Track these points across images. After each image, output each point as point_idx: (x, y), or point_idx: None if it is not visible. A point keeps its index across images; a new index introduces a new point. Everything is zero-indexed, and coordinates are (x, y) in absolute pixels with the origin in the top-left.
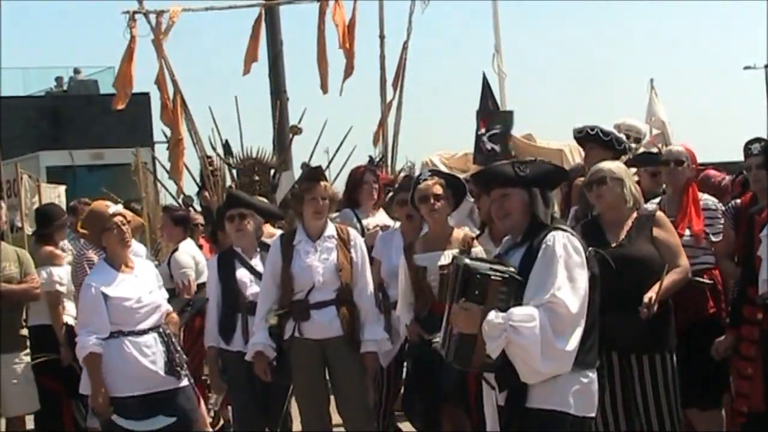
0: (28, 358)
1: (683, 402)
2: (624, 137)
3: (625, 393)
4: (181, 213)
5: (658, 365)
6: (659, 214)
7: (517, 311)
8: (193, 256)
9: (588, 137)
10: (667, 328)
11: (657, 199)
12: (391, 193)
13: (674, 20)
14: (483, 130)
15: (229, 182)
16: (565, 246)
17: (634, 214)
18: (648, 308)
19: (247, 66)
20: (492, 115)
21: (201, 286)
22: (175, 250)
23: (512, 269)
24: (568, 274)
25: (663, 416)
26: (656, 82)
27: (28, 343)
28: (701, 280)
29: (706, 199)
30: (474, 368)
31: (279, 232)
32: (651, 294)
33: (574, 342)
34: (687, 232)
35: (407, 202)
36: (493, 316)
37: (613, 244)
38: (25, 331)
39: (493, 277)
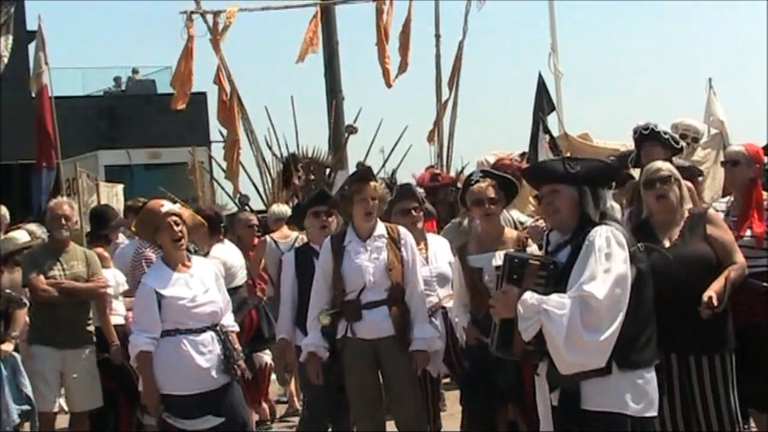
0: (93, 355)
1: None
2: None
3: (684, 395)
4: (204, 212)
5: (718, 366)
6: (711, 211)
7: (552, 297)
8: (224, 262)
9: (645, 136)
10: (725, 329)
11: (725, 198)
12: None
13: (733, 20)
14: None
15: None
16: (607, 239)
17: (687, 214)
18: (709, 307)
19: (302, 54)
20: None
21: (233, 291)
22: (206, 254)
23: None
24: (605, 266)
25: (723, 418)
26: (714, 81)
27: (94, 340)
28: (757, 282)
29: None
30: (516, 355)
31: (294, 234)
32: (711, 293)
33: (607, 335)
34: (748, 233)
35: (409, 211)
36: (528, 296)
37: (667, 245)
38: (91, 328)
39: (530, 261)
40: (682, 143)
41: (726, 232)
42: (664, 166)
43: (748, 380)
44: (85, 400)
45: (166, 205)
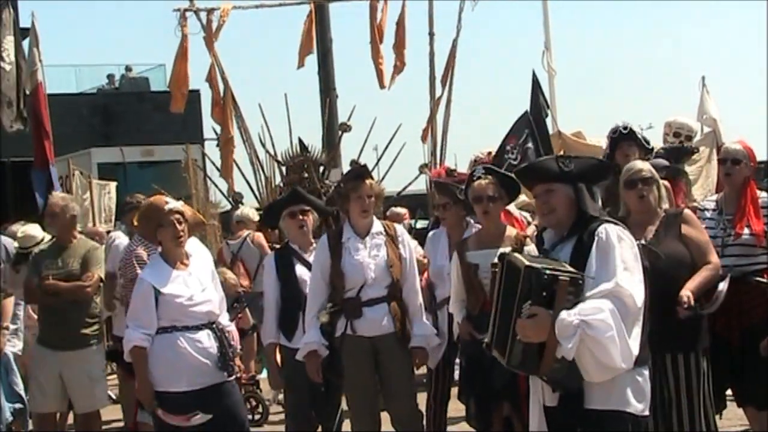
0: (96, 356)
1: (741, 400)
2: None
3: (661, 394)
4: None
5: (692, 364)
6: (687, 211)
7: (584, 305)
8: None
9: (624, 136)
10: (699, 328)
11: (714, 196)
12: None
13: (726, 19)
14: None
15: (278, 180)
16: (619, 237)
17: (662, 214)
18: (688, 305)
19: (301, 59)
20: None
21: None
22: None
23: (569, 267)
24: (625, 265)
25: (694, 416)
26: (708, 80)
27: (93, 341)
28: (760, 279)
29: (765, 196)
30: (542, 374)
31: (245, 232)
32: (687, 292)
33: (636, 336)
34: (746, 231)
35: (443, 206)
36: (565, 314)
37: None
38: (89, 330)
39: (561, 278)
40: (653, 144)
41: (701, 232)
42: (645, 167)
43: (748, 379)
44: (85, 402)
45: (171, 203)
